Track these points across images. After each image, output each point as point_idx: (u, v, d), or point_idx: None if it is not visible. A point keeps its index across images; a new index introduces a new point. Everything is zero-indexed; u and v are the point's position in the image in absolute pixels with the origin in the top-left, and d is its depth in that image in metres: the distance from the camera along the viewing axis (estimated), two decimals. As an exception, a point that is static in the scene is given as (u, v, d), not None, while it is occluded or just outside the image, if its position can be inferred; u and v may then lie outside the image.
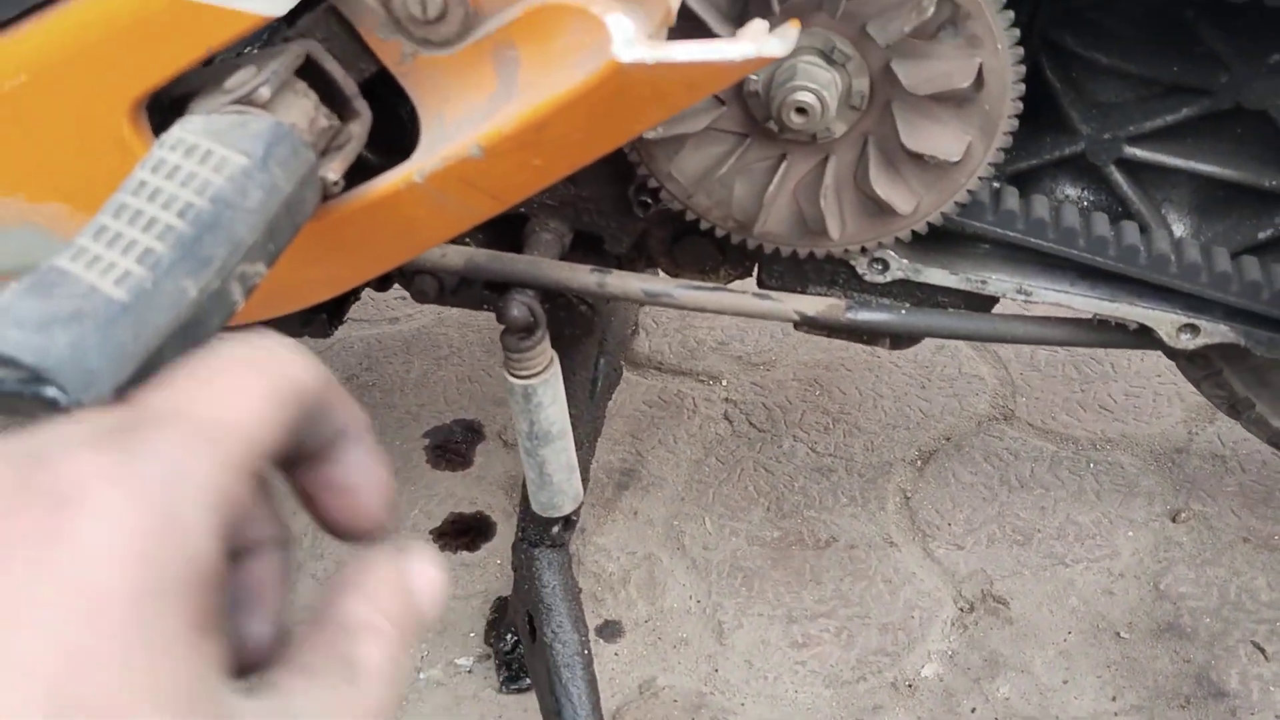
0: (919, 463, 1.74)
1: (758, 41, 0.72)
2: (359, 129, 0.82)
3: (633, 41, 0.72)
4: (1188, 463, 1.70)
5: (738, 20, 0.96)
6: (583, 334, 1.24)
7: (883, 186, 1.01)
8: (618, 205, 1.16)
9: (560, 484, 1.23)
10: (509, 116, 0.77)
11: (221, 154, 0.70)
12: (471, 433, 1.84)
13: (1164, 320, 1.10)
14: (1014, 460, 1.73)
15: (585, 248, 1.22)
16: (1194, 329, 1.10)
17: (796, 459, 1.76)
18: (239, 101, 0.75)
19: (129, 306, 0.62)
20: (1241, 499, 1.64)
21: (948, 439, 1.78)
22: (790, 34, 0.73)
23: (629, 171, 1.10)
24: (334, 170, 0.79)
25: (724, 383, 1.91)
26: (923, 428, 1.80)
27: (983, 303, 1.15)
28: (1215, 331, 1.10)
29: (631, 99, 0.75)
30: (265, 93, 0.75)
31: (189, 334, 0.65)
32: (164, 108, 0.85)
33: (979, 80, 0.94)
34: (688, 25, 0.95)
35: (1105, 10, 0.97)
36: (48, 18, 0.79)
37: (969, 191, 1.02)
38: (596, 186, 1.15)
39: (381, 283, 1.18)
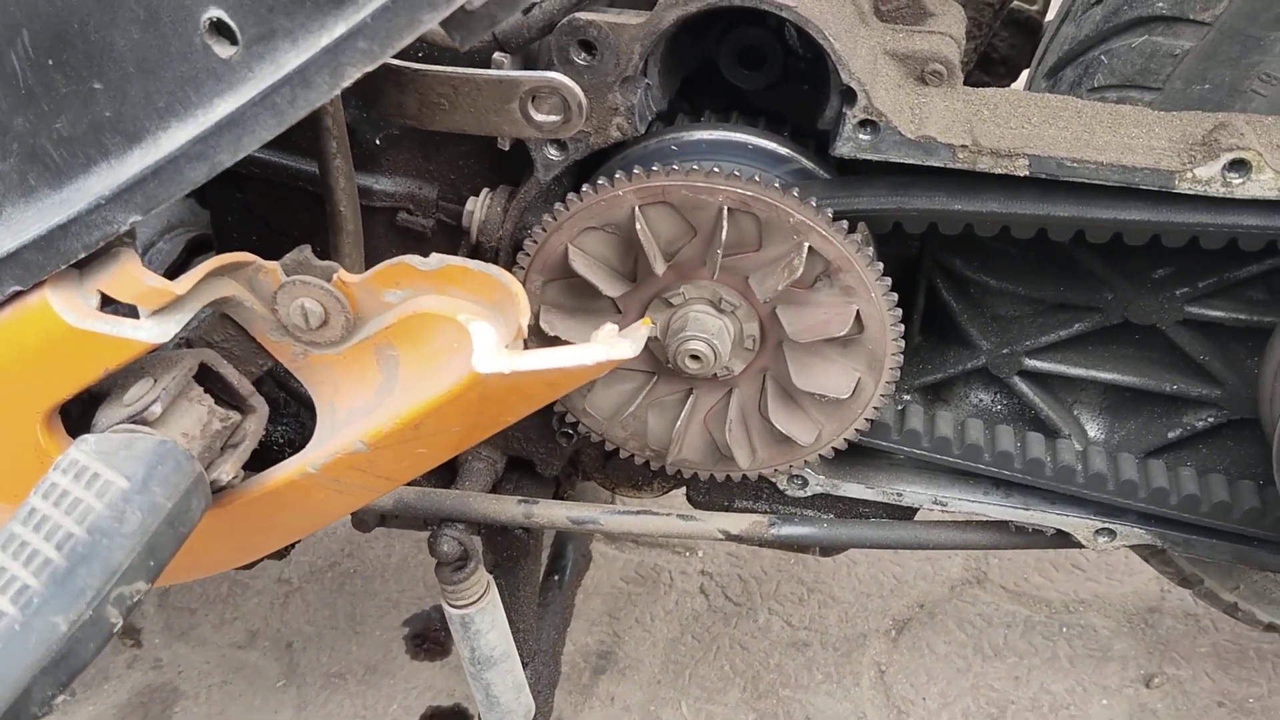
0: (893, 633, 1.74)
1: (608, 345, 0.76)
2: (254, 424, 0.87)
3: (492, 352, 0.76)
4: (1161, 623, 1.69)
5: (631, 276, 1.01)
6: (521, 555, 1.27)
7: (782, 420, 1.04)
8: (545, 433, 1.20)
9: (508, 704, 1.25)
10: (388, 416, 0.81)
11: (106, 477, 0.75)
12: (451, 619, 1.86)
13: (1079, 526, 1.12)
14: (987, 627, 1.73)
15: (520, 469, 1.26)
16: (1110, 533, 1.11)
17: (772, 633, 1.76)
18: (133, 418, 0.80)
19: None
20: (1216, 660, 1.62)
21: (921, 606, 1.78)
22: (640, 334, 0.78)
23: (549, 404, 1.14)
24: (227, 471, 0.83)
25: (700, 554, 1.92)
26: (896, 595, 1.80)
27: (904, 510, 1.17)
28: (1131, 534, 1.11)
29: (496, 400, 0.79)
30: (157, 409, 0.80)
31: (60, 667, 0.69)
32: (84, 401, 0.91)
33: (858, 324, 0.98)
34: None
35: (989, 236, 1.01)
36: (-36, 338, 0.85)
37: (867, 419, 1.05)
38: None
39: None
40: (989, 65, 1.40)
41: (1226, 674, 1.60)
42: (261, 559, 1.16)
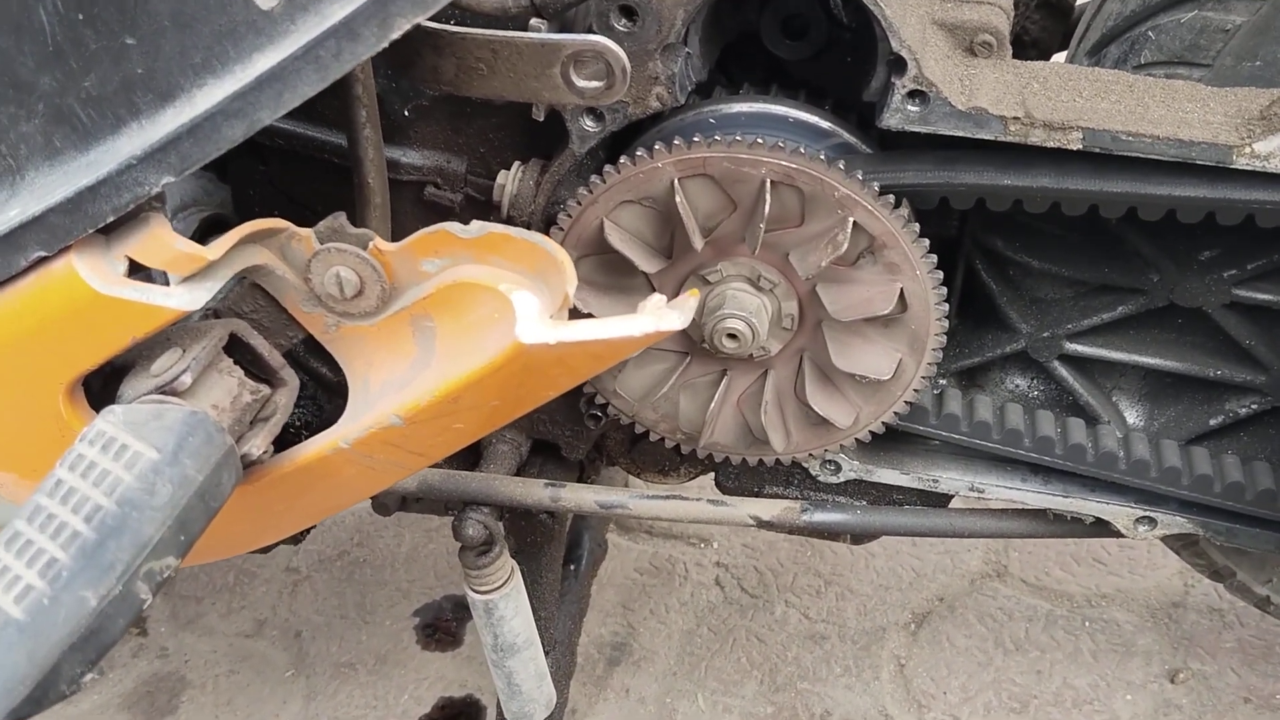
0: (912, 626, 1.72)
1: (657, 316, 0.73)
2: (285, 398, 0.84)
3: (536, 322, 0.74)
4: (1185, 618, 1.66)
5: (667, 253, 0.99)
6: (545, 541, 1.24)
7: (820, 402, 1.02)
8: (571, 415, 1.17)
9: (530, 693, 1.22)
10: (425, 389, 0.79)
11: (135, 449, 0.72)
12: (462, 609, 1.83)
13: (1119, 514, 1.09)
14: (1008, 621, 1.70)
15: (545, 453, 1.23)
16: (1151, 521, 1.09)
17: (789, 626, 1.74)
18: (161, 389, 0.78)
19: (26, 627, 0.64)
20: (1241, 656, 1.60)
21: (941, 599, 1.75)
22: (689, 305, 0.75)
23: (579, 385, 1.12)
24: (258, 445, 0.81)
25: (715, 545, 1.90)
26: (915, 588, 1.78)
27: (939, 498, 1.15)
28: (1172, 523, 1.09)
29: (539, 372, 0.76)
30: (186, 380, 0.78)
31: (89, 644, 0.66)
32: (105, 374, 0.88)
33: (902, 302, 0.95)
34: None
35: (1032, 215, 0.99)
36: (-15, 307, 0.82)
37: (906, 402, 1.02)
38: (550, 398, 1.16)
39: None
40: (1020, 48, 1.38)
41: (1252, 669, 1.58)
42: (279, 542, 1.14)
